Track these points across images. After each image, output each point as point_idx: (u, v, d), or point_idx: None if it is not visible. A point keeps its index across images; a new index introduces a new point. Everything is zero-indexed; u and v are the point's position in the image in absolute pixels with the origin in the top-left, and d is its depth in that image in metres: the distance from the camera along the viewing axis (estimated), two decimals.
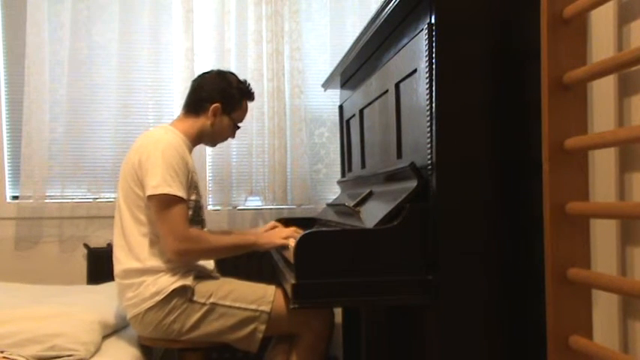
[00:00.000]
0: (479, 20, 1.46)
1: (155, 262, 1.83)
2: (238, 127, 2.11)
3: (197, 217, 1.95)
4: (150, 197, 1.80)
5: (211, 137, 2.05)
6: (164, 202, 1.79)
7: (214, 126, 2.01)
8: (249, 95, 2.09)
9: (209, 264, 2.01)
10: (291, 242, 1.64)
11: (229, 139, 2.15)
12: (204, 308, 1.82)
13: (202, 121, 2.00)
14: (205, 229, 2.02)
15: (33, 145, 2.53)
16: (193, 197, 1.92)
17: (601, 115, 1.27)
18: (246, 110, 2.10)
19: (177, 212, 1.80)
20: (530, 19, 1.36)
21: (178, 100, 2.58)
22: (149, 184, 1.79)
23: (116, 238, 1.92)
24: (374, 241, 1.45)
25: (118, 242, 1.90)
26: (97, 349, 1.82)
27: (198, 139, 2.03)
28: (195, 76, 2.13)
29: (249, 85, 2.10)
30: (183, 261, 1.85)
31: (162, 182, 1.78)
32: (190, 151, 1.99)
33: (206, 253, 1.94)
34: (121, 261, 1.88)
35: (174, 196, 1.79)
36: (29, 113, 2.53)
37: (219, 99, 1.99)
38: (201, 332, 1.83)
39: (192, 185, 1.91)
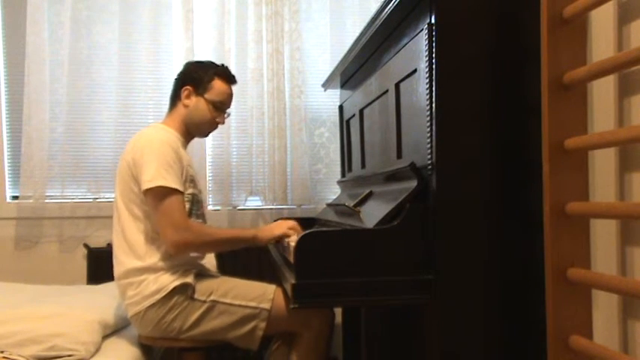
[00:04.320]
0: (479, 20, 1.46)
1: (155, 260, 1.83)
2: (223, 110, 2.05)
3: (196, 211, 1.95)
4: (146, 192, 1.80)
5: (193, 124, 2.01)
6: (160, 195, 1.79)
7: (190, 109, 1.98)
8: (224, 74, 2.03)
9: (211, 263, 2.01)
10: (292, 241, 1.64)
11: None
12: (205, 306, 1.83)
13: (180, 108, 2.00)
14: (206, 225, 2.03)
15: (33, 145, 2.54)
16: (190, 191, 1.91)
17: (601, 115, 1.27)
18: (223, 90, 2.02)
19: (174, 203, 1.80)
20: (530, 19, 1.36)
21: None
22: (144, 179, 1.80)
23: (115, 239, 1.92)
24: (374, 241, 1.45)
25: (118, 243, 1.90)
26: (97, 349, 1.82)
27: (186, 129, 2.01)
28: None
29: (226, 67, 2.06)
30: (182, 253, 1.85)
31: (157, 175, 1.79)
32: (185, 146, 1.99)
33: (206, 246, 1.94)
34: (122, 261, 1.88)
35: (170, 188, 1.79)
36: (29, 113, 2.53)
37: (188, 81, 1.99)
38: (202, 330, 1.83)
39: (187, 179, 1.91)
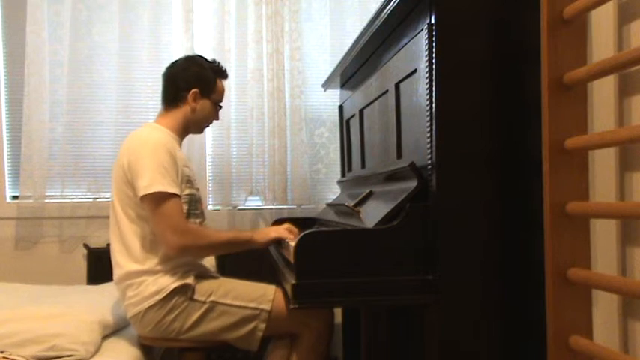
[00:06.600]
0: (479, 20, 1.46)
1: (153, 263, 1.83)
2: (220, 107, 2.10)
3: (195, 211, 1.95)
4: (143, 198, 1.80)
5: (196, 124, 2.04)
6: (158, 200, 1.79)
7: (196, 112, 2.00)
8: (222, 73, 2.08)
9: (210, 263, 2.01)
10: (292, 241, 1.64)
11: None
12: (205, 306, 1.82)
13: (184, 110, 1.99)
14: (205, 223, 2.03)
15: (33, 145, 2.54)
16: (187, 192, 1.91)
17: (601, 115, 1.27)
18: (222, 88, 2.09)
19: (172, 208, 1.80)
20: (530, 19, 1.36)
21: None
22: (140, 185, 1.79)
23: (113, 242, 1.91)
24: (374, 241, 1.45)
25: (116, 246, 1.89)
26: (97, 349, 1.82)
27: (185, 129, 2.02)
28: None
29: (219, 63, 2.09)
30: (183, 257, 1.85)
31: (153, 181, 1.78)
32: (179, 144, 1.99)
33: (205, 249, 1.93)
34: (121, 265, 1.87)
35: (167, 192, 1.79)
36: (29, 113, 2.53)
37: (195, 84, 1.98)
38: (202, 331, 1.83)
39: (184, 180, 1.90)
